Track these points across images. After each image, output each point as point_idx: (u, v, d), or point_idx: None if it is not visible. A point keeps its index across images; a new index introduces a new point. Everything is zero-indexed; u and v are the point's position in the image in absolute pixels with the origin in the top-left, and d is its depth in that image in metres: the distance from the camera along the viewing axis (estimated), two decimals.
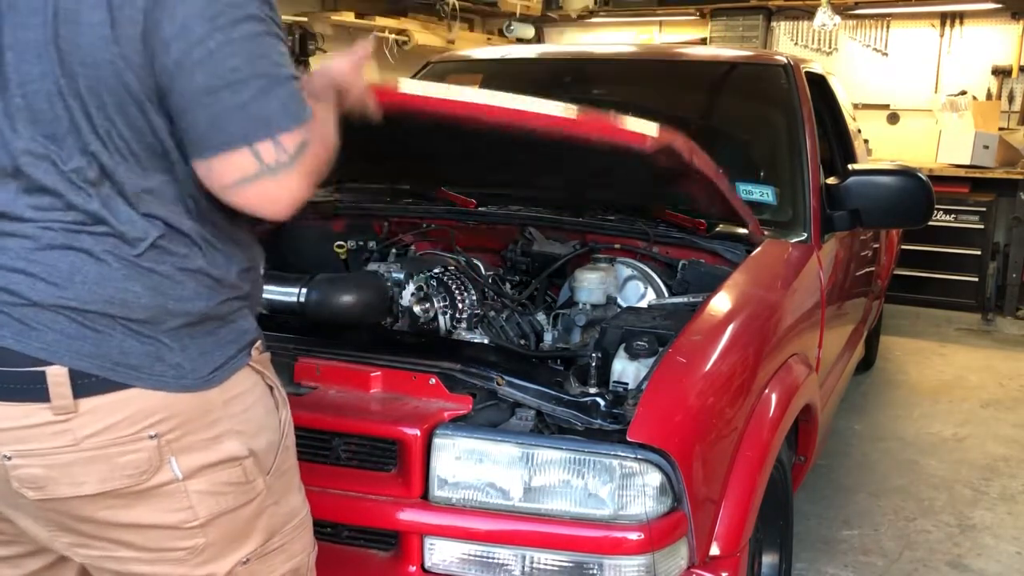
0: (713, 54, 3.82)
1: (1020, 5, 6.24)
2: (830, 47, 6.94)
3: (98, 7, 1.07)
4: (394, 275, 2.10)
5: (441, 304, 2.11)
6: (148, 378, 1.12)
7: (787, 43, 7.07)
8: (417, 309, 2.09)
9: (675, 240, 2.26)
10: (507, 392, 1.59)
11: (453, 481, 1.51)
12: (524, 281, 2.37)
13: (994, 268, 5.95)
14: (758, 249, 2.25)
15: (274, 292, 1.85)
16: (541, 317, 2.19)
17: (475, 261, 2.31)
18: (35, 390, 1.08)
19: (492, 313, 2.13)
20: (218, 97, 1.08)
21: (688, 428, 1.56)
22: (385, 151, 2.02)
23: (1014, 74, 6.38)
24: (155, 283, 1.13)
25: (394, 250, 2.46)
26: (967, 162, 5.96)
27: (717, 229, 2.41)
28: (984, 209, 5.89)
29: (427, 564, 1.53)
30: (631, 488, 1.48)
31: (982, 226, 5.91)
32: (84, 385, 1.09)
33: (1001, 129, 6.21)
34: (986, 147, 5.92)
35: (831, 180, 2.62)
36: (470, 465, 1.51)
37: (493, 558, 1.51)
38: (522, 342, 2.10)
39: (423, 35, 6.58)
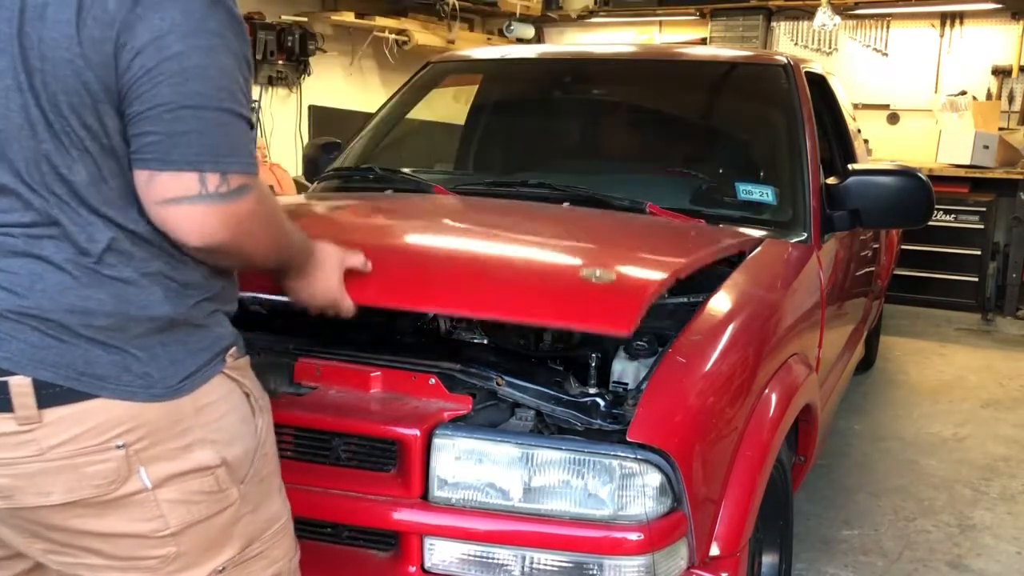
0: (713, 54, 3.82)
1: (1020, 5, 6.24)
2: (830, 47, 6.94)
3: (66, 5, 1.07)
4: None
5: None
6: (115, 388, 1.11)
7: (787, 43, 7.08)
8: None
9: None
10: (507, 392, 1.59)
11: (453, 481, 1.51)
12: None
13: (994, 268, 5.95)
14: (758, 249, 2.25)
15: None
16: None
17: None
18: None
19: None
20: (178, 116, 1.08)
21: (688, 428, 1.56)
22: None
23: (1014, 74, 6.38)
24: (117, 290, 1.12)
25: None
26: (967, 162, 5.96)
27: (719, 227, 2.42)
28: (984, 209, 5.89)
29: (427, 564, 1.53)
30: (631, 488, 1.47)
31: (982, 226, 5.91)
32: (49, 395, 1.09)
33: (1001, 129, 6.21)
34: (986, 147, 5.92)
35: (831, 180, 2.62)
36: (470, 465, 1.51)
37: (493, 558, 1.51)
38: (521, 342, 2.10)
39: (423, 35, 6.58)
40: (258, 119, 5.75)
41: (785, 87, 2.85)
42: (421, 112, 3.30)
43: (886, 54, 6.80)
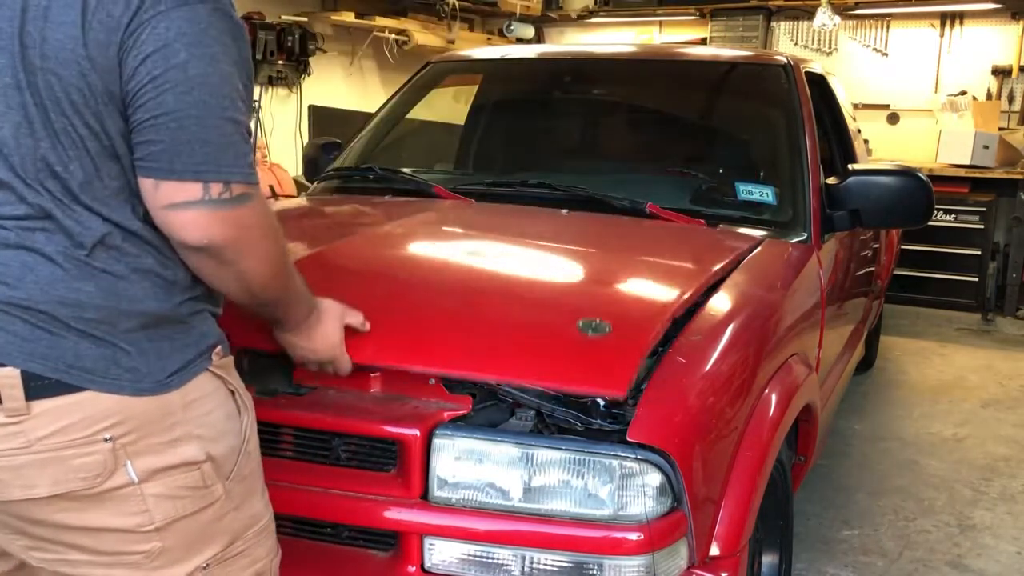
0: (713, 54, 3.82)
1: (1020, 5, 6.24)
2: (830, 47, 6.95)
3: (70, 7, 1.09)
4: None
5: None
6: (103, 381, 1.12)
7: (787, 43, 7.08)
8: None
9: None
10: (507, 392, 1.59)
11: (453, 481, 1.51)
12: None
13: (994, 268, 5.95)
14: (758, 249, 2.25)
15: None
16: None
17: None
18: None
19: None
20: (183, 125, 1.11)
21: (688, 428, 1.56)
22: None
23: (1014, 74, 6.39)
24: (108, 284, 1.13)
25: None
26: (967, 162, 5.96)
27: (719, 228, 2.42)
28: (984, 209, 5.90)
29: (427, 564, 1.53)
30: (631, 488, 1.47)
31: (982, 226, 5.91)
32: (37, 387, 1.09)
33: (1001, 129, 6.21)
34: (986, 147, 5.92)
35: (831, 180, 2.62)
36: (470, 465, 1.51)
37: (493, 558, 1.51)
38: None
39: (423, 35, 6.58)
40: (258, 119, 5.75)
41: (785, 87, 2.85)
42: (421, 112, 3.30)
43: (886, 54, 6.80)
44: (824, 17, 6.43)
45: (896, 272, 4.93)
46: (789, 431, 2.01)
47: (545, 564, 1.49)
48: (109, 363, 1.13)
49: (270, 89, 6.03)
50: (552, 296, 1.86)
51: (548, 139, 3.24)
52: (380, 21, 6.35)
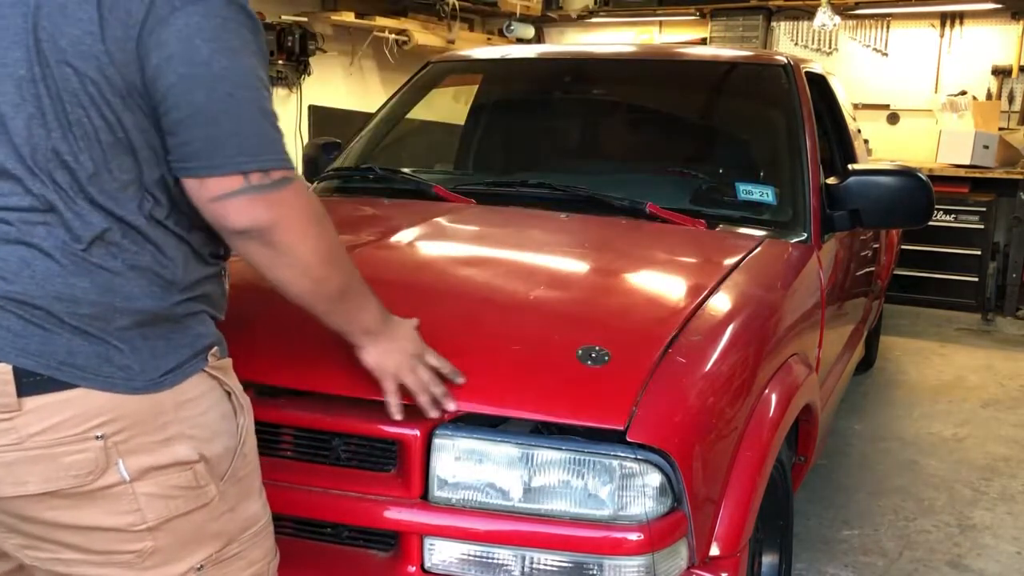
0: (713, 54, 3.82)
1: (1020, 5, 6.24)
2: (830, 47, 6.95)
3: (87, 3, 1.11)
4: None
5: None
6: (95, 379, 1.12)
7: (787, 43, 7.08)
8: None
9: None
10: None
11: (453, 481, 1.51)
12: None
13: (994, 268, 5.95)
14: (758, 249, 2.25)
15: None
16: None
17: None
18: None
19: None
20: (216, 121, 1.14)
21: (688, 428, 1.56)
22: None
23: (1014, 74, 6.39)
24: (103, 280, 1.14)
25: None
26: (967, 162, 5.96)
27: (719, 228, 2.42)
28: (984, 209, 5.90)
29: (427, 564, 1.53)
30: (631, 488, 1.47)
31: (982, 226, 5.91)
32: (29, 384, 1.10)
33: (1001, 129, 6.22)
34: (986, 147, 5.93)
35: (831, 180, 2.62)
36: (470, 465, 1.51)
37: (493, 558, 1.51)
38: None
39: (423, 35, 6.58)
40: None
41: (785, 87, 2.85)
42: (421, 112, 3.30)
43: (886, 54, 6.80)
44: (824, 17, 6.44)
45: (896, 272, 4.93)
46: (789, 431, 2.01)
47: (545, 564, 1.49)
48: (102, 360, 1.13)
49: (270, 89, 6.01)
50: (551, 319, 1.79)
51: (548, 139, 3.24)
52: (380, 21, 6.35)
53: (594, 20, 7.77)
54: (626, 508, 1.48)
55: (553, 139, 3.26)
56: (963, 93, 6.39)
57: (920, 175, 2.54)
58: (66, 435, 1.11)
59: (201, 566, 1.22)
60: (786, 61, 2.96)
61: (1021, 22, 6.33)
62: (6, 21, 1.12)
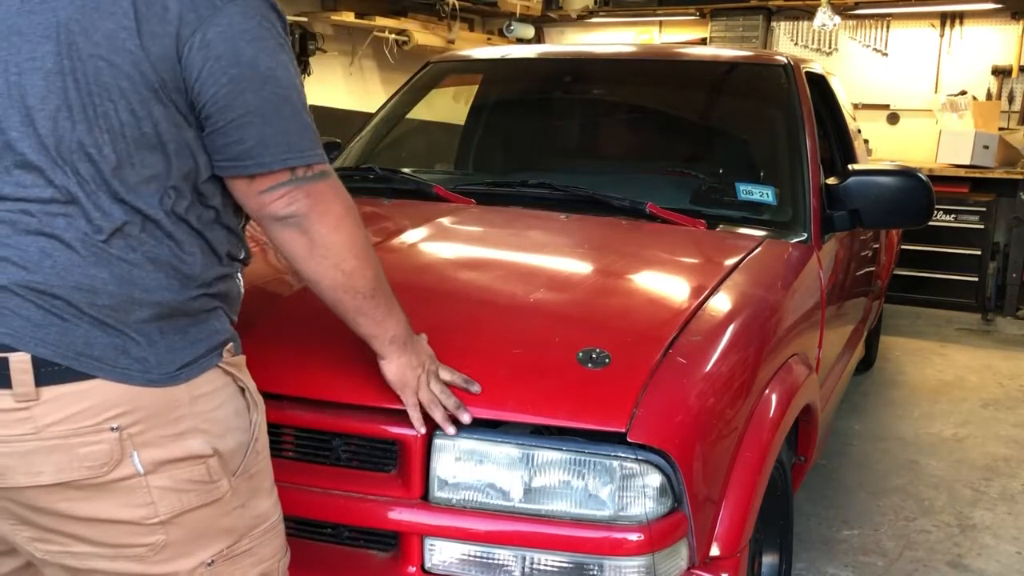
0: (713, 54, 3.82)
1: (1020, 5, 6.24)
2: (830, 47, 6.95)
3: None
4: None
5: None
6: (111, 370, 1.13)
7: (787, 43, 7.08)
8: None
9: None
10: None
11: (453, 482, 1.51)
12: None
13: (994, 268, 5.95)
14: (758, 249, 2.25)
15: None
16: None
17: None
18: None
19: None
20: (266, 120, 1.19)
21: (688, 429, 1.56)
22: None
23: (1014, 74, 6.39)
24: (123, 271, 1.15)
25: None
26: (967, 162, 5.96)
27: (719, 228, 2.42)
28: (984, 209, 5.90)
29: (427, 565, 1.53)
30: (631, 489, 1.48)
31: (982, 226, 5.91)
32: (47, 373, 1.10)
33: (1001, 129, 6.21)
34: (986, 147, 5.92)
35: (831, 180, 2.62)
36: (470, 466, 1.51)
37: (493, 559, 1.51)
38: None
39: (423, 35, 6.57)
40: None
41: (785, 87, 2.85)
42: (421, 112, 3.30)
43: (886, 54, 6.80)
44: (824, 17, 6.43)
45: (896, 272, 4.93)
46: (789, 431, 2.01)
47: (545, 564, 1.49)
48: (119, 352, 1.13)
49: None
50: (551, 320, 1.78)
51: (548, 139, 3.24)
52: (380, 21, 6.35)
53: (594, 20, 7.77)
54: (626, 508, 1.48)
55: (553, 139, 3.26)
56: (963, 93, 6.39)
57: (920, 175, 2.54)
58: (82, 426, 1.11)
59: (212, 561, 1.22)
60: (786, 61, 2.96)
61: (1021, 22, 6.33)
62: (36, 16, 1.14)
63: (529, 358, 1.63)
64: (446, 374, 1.50)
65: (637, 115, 3.24)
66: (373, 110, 3.41)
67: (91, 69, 1.13)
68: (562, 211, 2.46)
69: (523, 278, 2.04)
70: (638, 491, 1.48)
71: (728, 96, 3.17)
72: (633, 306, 1.91)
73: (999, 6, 6.28)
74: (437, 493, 1.52)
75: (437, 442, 1.51)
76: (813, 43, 6.98)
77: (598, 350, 1.60)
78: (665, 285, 2.08)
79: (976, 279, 5.98)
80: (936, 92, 6.59)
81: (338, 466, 1.59)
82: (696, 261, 2.26)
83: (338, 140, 3.27)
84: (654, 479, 1.48)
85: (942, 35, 6.59)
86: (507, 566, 1.50)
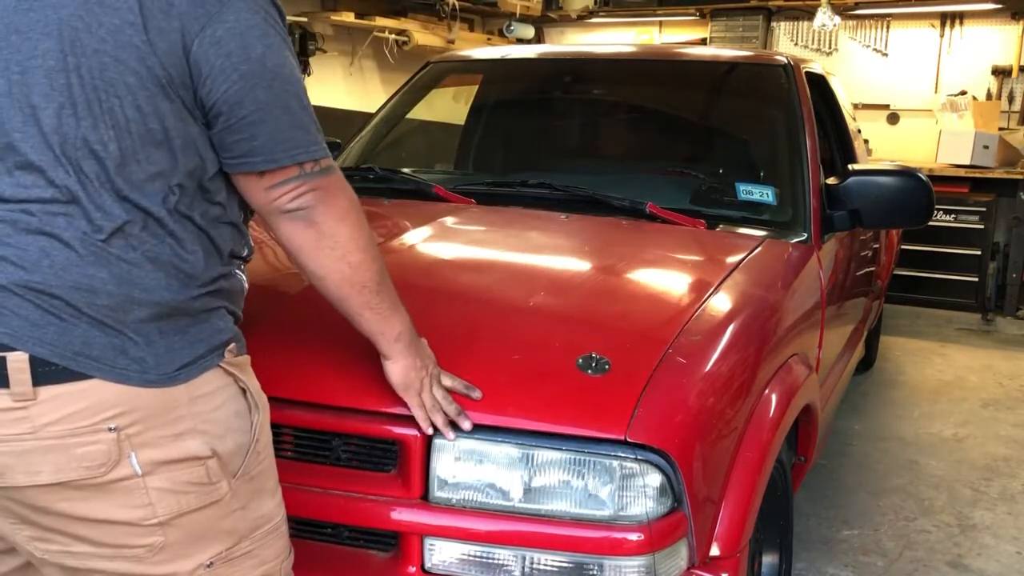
0: (713, 54, 3.82)
1: (1020, 5, 6.24)
2: (830, 47, 6.95)
3: None
4: None
5: None
6: (109, 370, 1.12)
7: (787, 43, 7.08)
8: None
9: None
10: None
11: (453, 482, 1.51)
12: None
13: (994, 268, 5.95)
14: (758, 249, 2.25)
15: None
16: None
17: None
18: None
19: None
20: (276, 117, 1.20)
21: (688, 428, 1.56)
22: None
23: (1014, 74, 6.39)
24: (122, 271, 1.14)
25: None
26: (967, 162, 5.96)
27: (719, 228, 2.42)
28: (984, 209, 5.90)
29: (427, 565, 1.53)
30: (631, 489, 1.48)
31: (982, 226, 5.91)
32: (44, 373, 1.10)
33: (1001, 129, 6.21)
34: (986, 147, 5.92)
35: (831, 180, 2.62)
36: (470, 466, 1.51)
37: (493, 559, 1.51)
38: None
39: (423, 35, 6.57)
40: None
41: (785, 87, 2.85)
42: (421, 112, 3.30)
43: (886, 54, 6.80)
44: (824, 17, 6.43)
45: (896, 272, 4.93)
46: (789, 431, 2.01)
47: (545, 564, 1.49)
48: (117, 352, 1.13)
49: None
50: (551, 325, 1.77)
51: (548, 139, 3.24)
52: (380, 21, 6.34)
53: (594, 20, 7.77)
54: (626, 508, 1.48)
55: (553, 139, 3.25)
56: (963, 93, 6.39)
57: (920, 175, 2.54)
58: (79, 426, 1.11)
59: (211, 563, 1.22)
60: (786, 61, 2.96)
61: (1021, 22, 6.33)
62: (35, 14, 1.13)
63: (529, 363, 1.62)
64: (447, 379, 1.50)
65: (637, 115, 3.24)
66: (373, 110, 3.41)
67: (96, 65, 1.12)
68: (562, 211, 2.46)
69: (523, 279, 2.04)
70: (638, 491, 1.48)
71: (728, 96, 3.17)
72: (633, 306, 1.91)
73: (999, 6, 6.28)
74: (437, 493, 1.52)
75: (437, 442, 1.51)
76: (813, 43, 6.98)
77: (598, 356, 1.60)
78: (665, 285, 2.08)
79: (976, 279, 5.98)
80: (936, 92, 6.59)
81: (338, 466, 1.59)
82: (696, 261, 2.26)
83: (338, 140, 3.27)
84: (654, 479, 1.48)
85: (942, 35, 6.59)
86: (507, 566, 1.50)
